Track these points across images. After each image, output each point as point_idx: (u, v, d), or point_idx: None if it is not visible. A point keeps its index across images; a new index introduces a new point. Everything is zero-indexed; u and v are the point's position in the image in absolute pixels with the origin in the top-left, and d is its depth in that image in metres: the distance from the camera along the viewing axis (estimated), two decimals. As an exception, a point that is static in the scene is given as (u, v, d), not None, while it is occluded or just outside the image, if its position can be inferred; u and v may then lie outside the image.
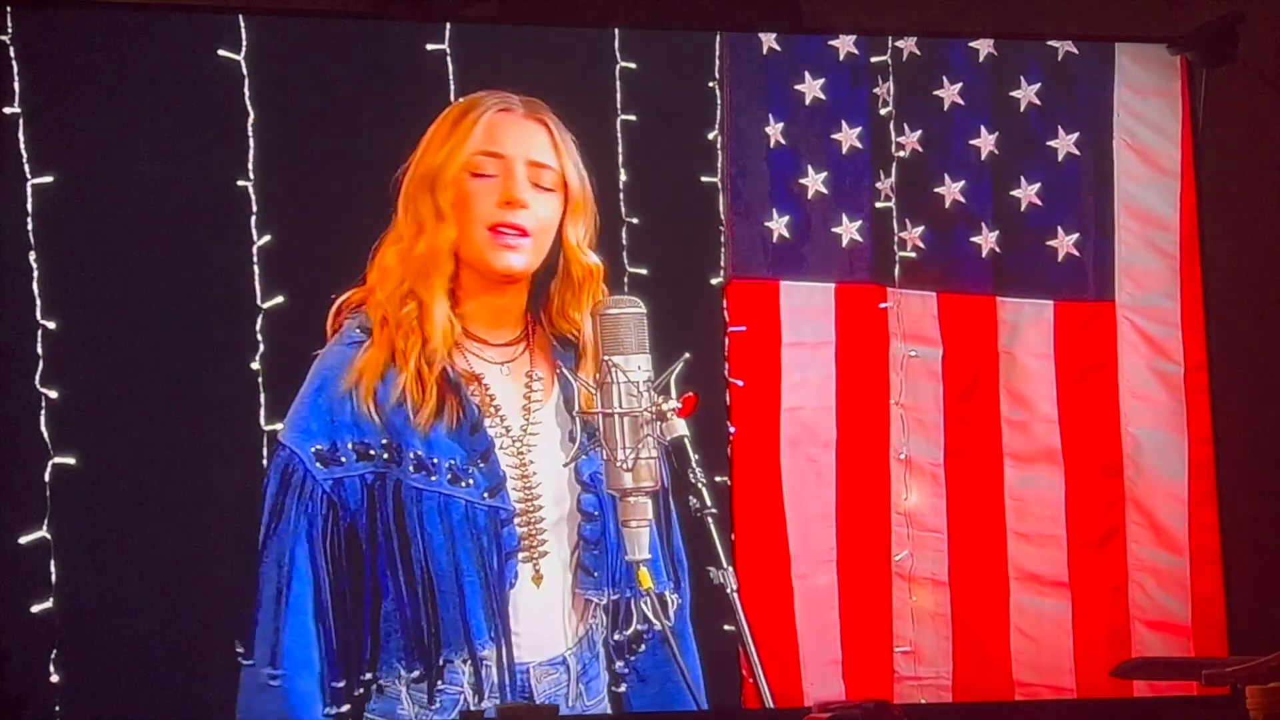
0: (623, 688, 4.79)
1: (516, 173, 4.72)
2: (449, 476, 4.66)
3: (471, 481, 4.67)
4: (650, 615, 4.65)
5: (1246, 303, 5.56)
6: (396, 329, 4.65)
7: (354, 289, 4.72)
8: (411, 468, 4.64)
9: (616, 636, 4.75)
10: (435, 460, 4.66)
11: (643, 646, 4.78)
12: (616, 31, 5.08)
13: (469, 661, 4.64)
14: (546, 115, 4.81)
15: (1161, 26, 5.47)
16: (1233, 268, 5.49)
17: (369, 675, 4.63)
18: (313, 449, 4.61)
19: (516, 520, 4.70)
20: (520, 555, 4.69)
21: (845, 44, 5.24)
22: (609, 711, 4.79)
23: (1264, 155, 5.68)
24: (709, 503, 4.54)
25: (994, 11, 5.50)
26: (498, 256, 4.71)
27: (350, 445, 4.63)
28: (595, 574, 4.71)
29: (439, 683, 4.65)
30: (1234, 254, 5.49)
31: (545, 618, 4.71)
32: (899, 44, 5.27)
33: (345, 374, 4.64)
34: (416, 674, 4.65)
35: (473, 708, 4.59)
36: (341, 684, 4.62)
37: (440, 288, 4.67)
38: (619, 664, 4.77)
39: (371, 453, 4.64)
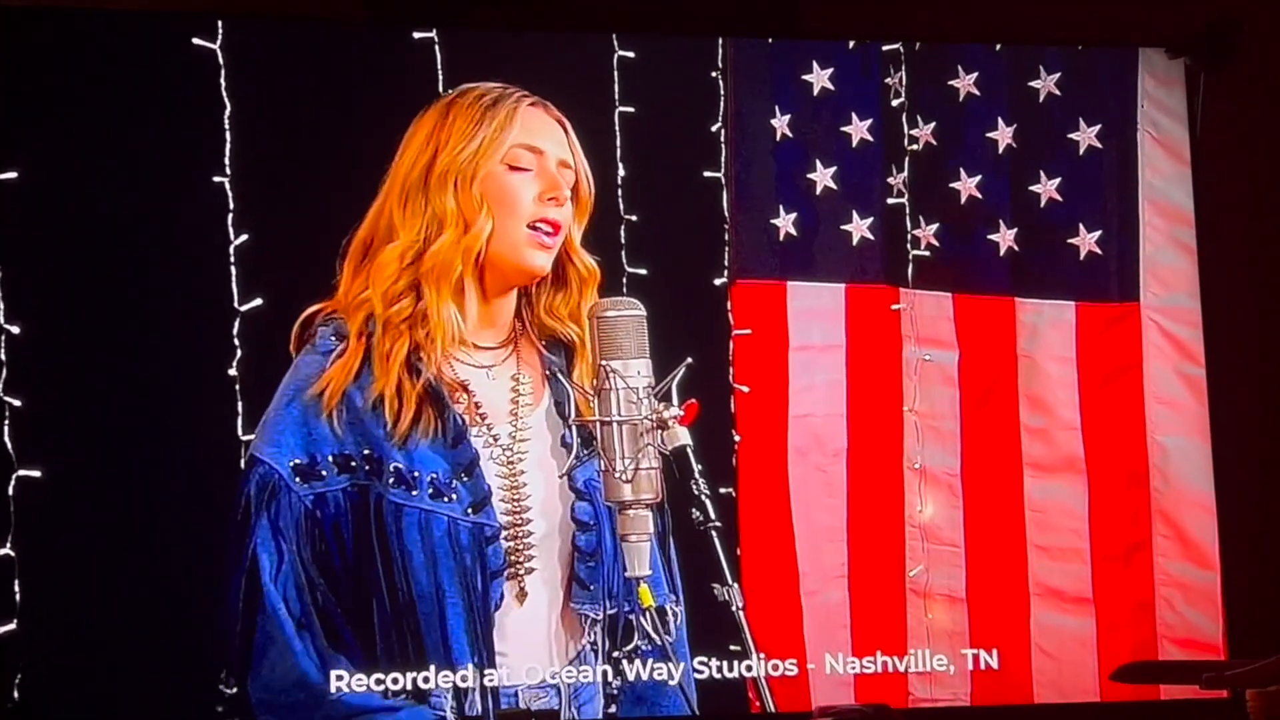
0: (616, 708, 4.69)
1: (553, 168, 4.63)
2: (430, 491, 4.53)
3: (455, 496, 4.54)
4: (650, 631, 4.55)
5: (1251, 305, 5.51)
6: (384, 331, 4.48)
7: (325, 300, 4.59)
8: (391, 481, 4.51)
9: (615, 654, 4.64)
10: (416, 474, 4.52)
11: (638, 661, 4.66)
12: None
13: (450, 687, 4.54)
14: (559, 114, 4.72)
15: (1175, 25, 5.39)
16: (1239, 272, 5.44)
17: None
18: (291, 464, 4.48)
19: (503, 535, 4.58)
20: (506, 574, 4.57)
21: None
22: (605, 733, 4.77)
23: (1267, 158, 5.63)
24: (713, 515, 4.40)
25: (1000, 9, 5.45)
26: (532, 255, 4.60)
27: (330, 458, 4.50)
28: (591, 587, 4.59)
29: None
30: (1239, 258, 5.43)
31: (533, 638, 4.59)
32: (911, 32, 5.28)
33: (318, 381, 4.53)
34: (400, 700, 4.54)
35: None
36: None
37: (450, 289, 4.52)
38: (616, 681, 4.66)
39: (353, 464, 4.51)
